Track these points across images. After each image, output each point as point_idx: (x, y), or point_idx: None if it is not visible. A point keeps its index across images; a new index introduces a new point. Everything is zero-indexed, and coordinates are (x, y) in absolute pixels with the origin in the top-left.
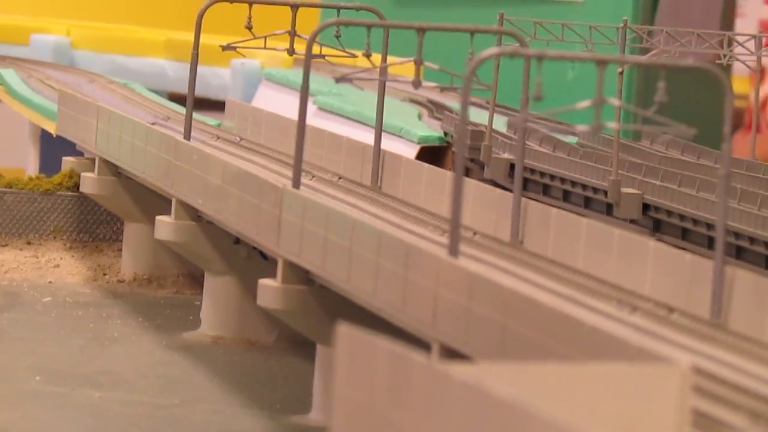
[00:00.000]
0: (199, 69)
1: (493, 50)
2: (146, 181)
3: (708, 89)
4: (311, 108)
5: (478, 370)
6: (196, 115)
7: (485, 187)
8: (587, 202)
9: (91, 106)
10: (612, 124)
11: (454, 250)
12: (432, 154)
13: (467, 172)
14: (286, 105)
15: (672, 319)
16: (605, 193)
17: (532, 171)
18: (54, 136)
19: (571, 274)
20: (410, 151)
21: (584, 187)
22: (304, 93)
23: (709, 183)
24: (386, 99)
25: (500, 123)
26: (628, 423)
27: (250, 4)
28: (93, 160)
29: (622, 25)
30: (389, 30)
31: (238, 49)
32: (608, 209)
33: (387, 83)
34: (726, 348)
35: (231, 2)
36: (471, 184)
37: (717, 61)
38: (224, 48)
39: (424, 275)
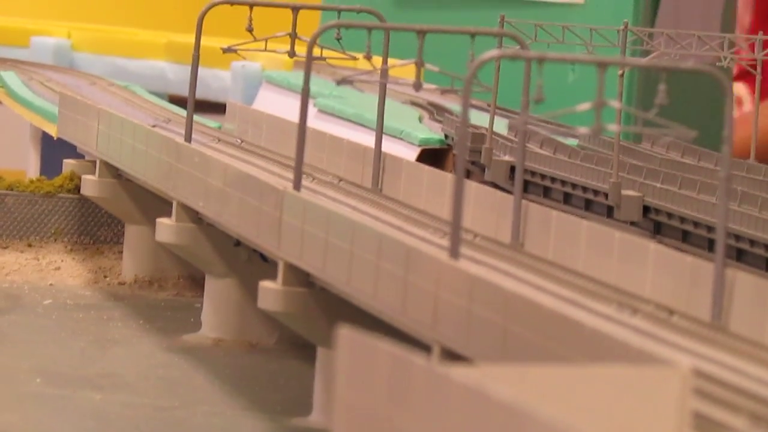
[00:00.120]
0: (200, 71)
1: (493, 53)
2: (147, 184)
3: (709, 91)
4: (312, 110)
5: (479, 372)
6: (196, 118)
7: (486, 190)
8: (588, 205)
9: (92, 109)
10: (612, 127)
11: (454, 253)
12: (433, 156)
13: (468, 175)
14: (286, 107)
15: (672, 321)
16: (606, 195)
17: (533, 173)
18: (55, 138)
19: (572, 277)
20: (411, 154)
21: (585, 189)
22: (305, 95)
23: (709, 185)
24: (387, 101)
25: (501, 125)
26: (628, 425)
27: (251, 7)
28: (94, 163)
29: (622, 27)
30: (390, 32)
31: (238, 52)
32: (609, 211)
33: (388, 85)
34: (727, 350)
35: (231, 5)
36: (472, 187)
37: (717, 64)
38: (225, 50)
39: (424, 277)
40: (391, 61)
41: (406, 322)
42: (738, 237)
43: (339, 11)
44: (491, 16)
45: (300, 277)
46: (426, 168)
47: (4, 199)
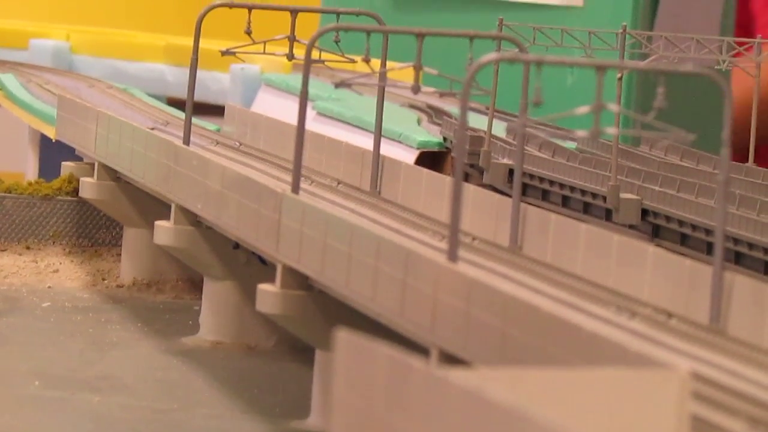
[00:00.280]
0: (199, 74)
1: (492, 56)
2: (145, 186)
3: (707, 94)
4: (310, 113)
5: (477, 375)
6: (195, 120)
7: (484, 193)
8: (586, 208)
9: (91, 111)
10: (611, 130)
11: (453, 256)
12: (431, 159)
13: (466, 178)
14: (285, 110)
15: (671, 324)
16: (604, 198)
17: (531, 176)
18: (53, 140)
19: (570, 280)
20: (409, 156)
21: (583, 192)
22: (304, 98)
23: (708, 188)
24: (385, 104)
25: (499, 128)
26: (627, 429)
27: (250, 9)
28: (92, 165)
29: (621, 30)
30: (388, 35)
31: (237, 54)
32: (607, 214)
33: (386, 88)
34: (725, 353)
35: (230, 7)
36: (470, 190)
37: (716, 67)
38: (224, 53)
39: (423, 280)
40: (389, 64)
41: (404, 325)
42: (736, 240)
43: (338, 14)
44: (490, 19)
45: (298, 280)
46: (424, 171)
47: (3, 201)
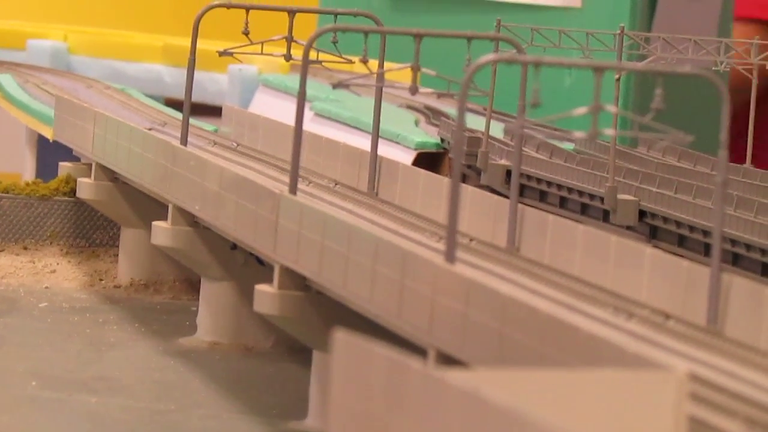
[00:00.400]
0: (196, 74)
1: (490, 57)
2: (143, 187)
3: (705, 96)
4: (308, 114)
5: (475, 376)
6: (193, 121)
7: (482, 194)
8: (584, 209)
9: (88, 112)
10: (609, 131)
11: (450, 257)
12: (429, 160)
13: (464, 179)
14: (283, 111)
15: (668, 325)
16: (602, 199)
17: (529, 177)
18: (51, 141)
19: (568, 281)
20: (407, 157)
21: (581, 193)
22: (301, 99)
23: (705, 190)
24: (383, 105)
25: (497, 129)
26: (624, 430)
27: (248, 10)
28: (90, 166)
29: (619, 31)
30: (386, 36)
31: (235, 55)
32: (605, 216)
33: (384, 89)
34: (722, 355)
35: (228, 8)
36: (468, 191)
37: (714, 68)
38: (221, 54)
39: (420, 281)
40: (387, 64)
41: (402, 326)
42: (734, 241)
43: (336, 15)
44: (488, 20)
45: (296, 281)
46: (422, 172)
47: (0, 201)
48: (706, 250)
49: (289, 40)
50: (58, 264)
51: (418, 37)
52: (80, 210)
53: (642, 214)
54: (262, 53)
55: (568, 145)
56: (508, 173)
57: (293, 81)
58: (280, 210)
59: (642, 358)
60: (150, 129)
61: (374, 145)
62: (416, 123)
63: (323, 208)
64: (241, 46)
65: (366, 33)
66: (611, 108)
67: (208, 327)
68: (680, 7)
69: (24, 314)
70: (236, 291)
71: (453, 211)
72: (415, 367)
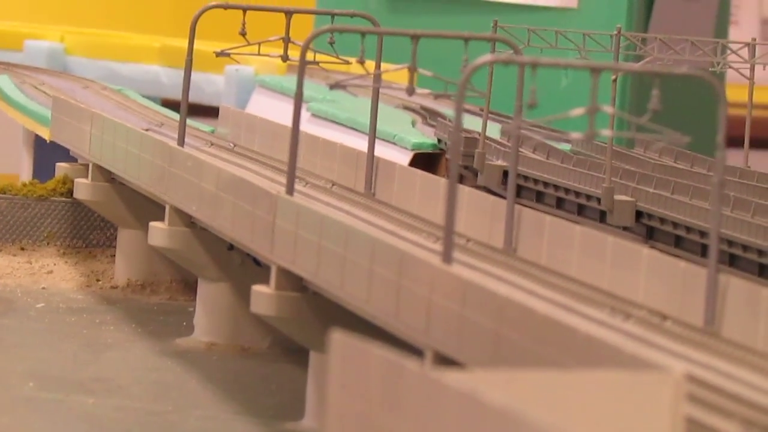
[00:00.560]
0: (193, 75)
1: (486, 58)
2: (140, 188)
3: (702, 97)
4: (305, 114)
5: (472, 377)
6: (190, 122)
7: (479, 194)
8: (580, 210)
9: (85, 112)
10: (606, 132)
11: (447, 258)
12: (425, 160)
13: (461, 179)
14: (279, 111)
15: (665, 326)
16: (598, 200)
17: (526, 178)
18: (48, 141)
19: (565, 282)
20: (404, 158)
21: (577, 194)
22: (298, 99)
23: (702, 190)
24: (380, 106)
25: (494, 130)
26: (621, 430)
27: (245, 11)
28: (87, 166)
29: (616, 32)
30: (383, 37)
31: (232, 56)
32: (601, 216)
33: (381, 90)
34: (719, 356)
35: (225, 9)
36: (464, 191)
37: (710, 69)
38: (218, 54)
39: (417, 282)
40: (384, 65)
41: (399, 327)
42: (731, 242)
43: (332, 15)
44: (485, 21)
45: (293, 282)
46: (419, 172)
47: None
48: (703, 250)
49: (286, 41)
50: (55, 265)
51: (415, 38)
52: (77, 211)
53: (639, 214)
54: (259, 54)
55: (565, 146)
56: (505, 174)
57: (290, 82)
58: (277, 211)
59: (639, 359)
60: (147, 130)
61: (371, 146)
62: (413, 124)
63: (320, 209)
64: (238, 47)
65: (363, 34)
66: (608, 109)
67: (205, 328)
68: (677, 8)
69: (21, 315)
70: (233, 292)
71: (450, 211)
72: (412, 367)
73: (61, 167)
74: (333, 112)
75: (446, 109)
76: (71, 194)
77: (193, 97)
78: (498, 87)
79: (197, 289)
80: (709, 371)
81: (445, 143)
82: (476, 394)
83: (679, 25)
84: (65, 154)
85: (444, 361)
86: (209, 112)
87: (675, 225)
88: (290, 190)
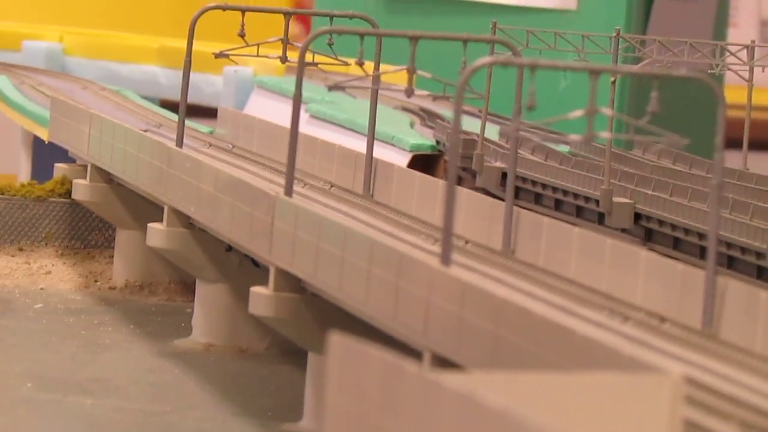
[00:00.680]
0: (192, 76)
1: (485, 60)
2: (138, 188)
3: (701, 99)
4: (304, 116)
5: (470, 379)
6: (188, 123)
7: (477, 196)
8: (579, 211)
9: (84, 113)
10: (604, 134)
11: (446, 259)
12: (424, 162)
13: (459, 181)
14: (278, 112)
15: (663, 328)
16: (597, 202)
17: (524, 180)
18: (46, 142)
19: (563, 283)
20: (402, 159)
21: (576, 196)
22: (297, 101)
23: (700, 193)
24: (379, 107)
25: (493, 132)
26: None
27: (243, 12)
28: (85, 167)
29: (614, 34)
30: (382, 38)
31: (230, 57)
32: (600, 218)
33: (380, 91)
34: (717, 358)
35: (224, 10)
36: (463, 193)
37: (709, 71)
38: (217, 55)
39: (416, 284)
40: (383, 67)
41: (397, 329)
42: (729, 244)
43: (331, 17)
44: (484, 23)
45: (291, 283)
46: (417, 174)
47: None
48: (702, 252)
49: (285, 42)
50: (53, 265)
51: (414, 39)
52: (75, 211)
53: (637, 216)
54: (257, 55)
55: (564, 148)
56: (504, 176)
57: (288, 83)
58: (276, 212)
59: (637, 361)
60: (145, 130)
61: (370, 147)
62: (411, 125)
63: (318, 210)
64: (236, 48)
65: (362, 35)
66: (606, 111)
67: (203, 329)
68: (676, 10)
69: (19, 316)
70: (231, 293)
71: (448, 213)
72: (410, 369)
73: (60, 168)
74: (332, 113)
75: (445, 110)
76: (70, 195)
77: (192, 98)
78: (497, 88)
79: (195, 290)
80: (707, 373)
81: (444, 145)
82: (474, 395)
83: (678, 26)
84: (64, 155)
85: (442, 362)
86: (208, 112)
87: (673, 227)
88: (289, 191)
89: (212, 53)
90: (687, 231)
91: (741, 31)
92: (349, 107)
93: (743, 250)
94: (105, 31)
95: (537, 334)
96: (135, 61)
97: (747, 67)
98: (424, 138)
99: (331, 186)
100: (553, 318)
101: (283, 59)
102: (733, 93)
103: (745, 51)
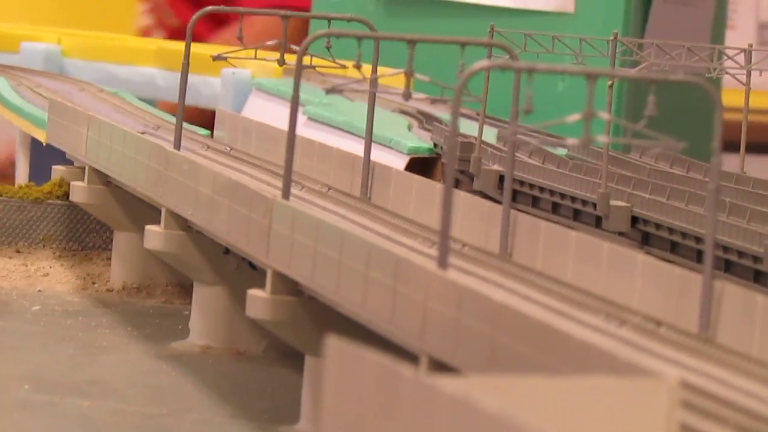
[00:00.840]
0: (190, 78)
1: (483, 63)
2: (136, 191)
3: (698, 102)
4: (301, 118)
5: (467, 383)
6: (186, 125)
7: (475, 199)
8: (576, 215)
9: (82, 115)
10: (602, 138)
11: (443, 263)
12: (422, 165)
13: (457, 184)
14: (276, 115)
15: (660, 332)
16: (594, 205)
17: (522, 183)
18: (44, 144)
19: (560, 287)
20: (400, 162)
21: (573, 199)
22: (295, 103)
23: (698, 196)
24: (376, 110)
25: (490, 135)
26: None
27: (242, 15)
28: (83, 169)
29: (612, 37)
30: (380, 41)
31: (228, 59)
32: (597, 222)
33: (377, 94)
34: (714, 362)
35: (222, 13)
36: (460, 196)
37: (707, 75)
38: (215, 58)
39: (413, 287)
40: (381, 69)
41: (394, 332)
42: (726, 248)
43: (329, 20)
44: (481, 25)
45: (289, 286)
46: (415, 177)
47: None
48: (699, 256)
49: (283, 45)
50: (50, 267)
51: (412, 42)
52: (73, 213)
53: (634, 220)
54: (255, 58)
55: (561, 151)
56: (501, 179)
57: (286, 85)
58: (273, 215)
59: (634, 365)
60: (143, 133)
61: (367, 150)
62: (409, 128)
63: (316, 213)
64: (234, 51)
65: (359, 38)
66: (604, 114)
67: (201, 331)
68: (673, 14)
69: (16, 317)
70: (229, 295)
71: (446, 216)
72: (407, 373)
73: (57, 170)
74: (329, 116)
75: (443, 113)
76: (67, 197)
77: (190, 100)
78: (494, 91)
79: (193, 292)
80: (704, 378)
81: (441, 147)
82: (471, 399)
83: (676, 30)
84: (61, 157)
85: (439, 366)
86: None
87: (671, 231)
88: (286, 194)
89: (210, 56)
90: (684, 234)
91: (739, 33)
92: (347, 110)
93: (740, 253)
94: (103, 32)
95: (534, 338)
96: (133, 63)
97: (744, 71)
98: (421, 141)
99: (329, 189)
100: (550, 322)
101: (281, 62)
102: (731, 96)
103: (742, 54)
